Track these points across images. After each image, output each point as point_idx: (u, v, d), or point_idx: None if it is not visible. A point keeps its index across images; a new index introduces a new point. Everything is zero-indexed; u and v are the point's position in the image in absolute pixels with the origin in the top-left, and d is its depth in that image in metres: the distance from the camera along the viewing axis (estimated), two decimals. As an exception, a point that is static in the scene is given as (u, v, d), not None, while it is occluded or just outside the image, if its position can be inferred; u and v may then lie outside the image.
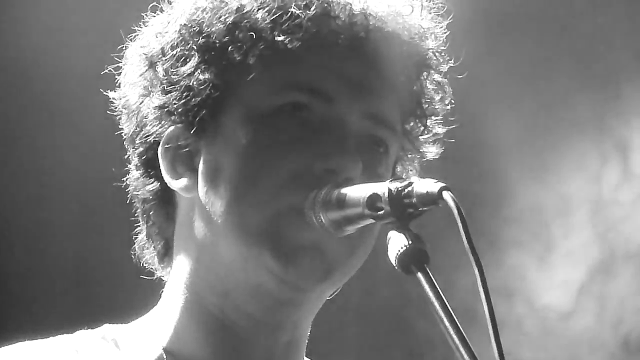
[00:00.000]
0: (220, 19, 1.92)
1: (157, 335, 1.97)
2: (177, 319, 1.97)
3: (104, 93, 2.05)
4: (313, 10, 1.91)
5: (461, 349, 1.58)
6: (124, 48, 2.03)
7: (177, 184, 1.96)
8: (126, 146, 2.04)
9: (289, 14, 1.90)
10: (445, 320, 1.61)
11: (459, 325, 1.60)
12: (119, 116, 2.04)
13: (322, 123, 1.90)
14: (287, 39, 1.89)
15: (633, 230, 5.32)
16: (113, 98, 2.04)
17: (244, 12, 1.91)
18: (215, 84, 1.92)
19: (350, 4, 1.94)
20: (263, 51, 1.90)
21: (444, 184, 1.68)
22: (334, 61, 1.92)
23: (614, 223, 5.33)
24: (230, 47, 1.91)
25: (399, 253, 1.69)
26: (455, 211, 1.64)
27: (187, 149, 1.95)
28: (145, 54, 1.98)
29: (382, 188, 1.76)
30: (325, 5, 1.92)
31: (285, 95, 1.91)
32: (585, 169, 5.29)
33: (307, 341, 2.03)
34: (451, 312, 1.61)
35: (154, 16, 2.03)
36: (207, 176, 1.93)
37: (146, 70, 1.98)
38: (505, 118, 5.25)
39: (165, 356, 1.95)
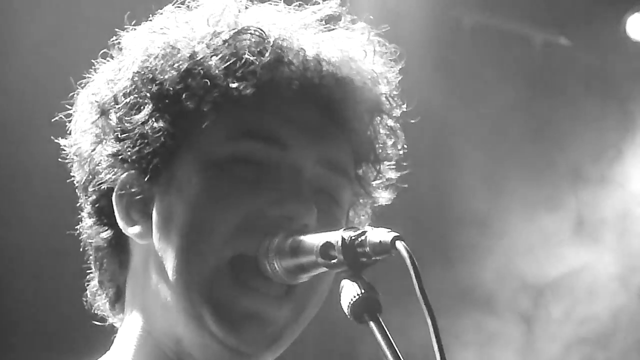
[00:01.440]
0: (174, 67, 1.91)
1: None
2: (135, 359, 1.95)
3: (55, 141, 2.04)
4: (267, 57, 1.90)
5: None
6: (74, 95, 2.02)
7: (131, 231, 1.95)
8: (78, 194, 2.02)
9: (243, 60, 1.90)
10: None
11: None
12: (70, 163, 2.02)
13: (277, 170, 1.89)
14: (241, 86, 1.88)
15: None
16: (64, 145, 2.02)
17: (197, 59, 1.90)
18: (170, 132, 1.90)
19: (304, 50, 1.94)
20: (217, 98, 1.89)
21: (397, 234, 1.68)
22: (288, 107, 1.92)
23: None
24: (183, 95, 1.90)
25: (352, 302, 1.69)
26: (407, 261, 1.64)
27: (141, 196, 1.94)
28: (97, 102, 1.96)
29: (335, 237, 1.76)
30: (279, 51, 1.92)
31: (240, 142, 1.90)
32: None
33: None
34: None
35: (105, 63, 2.01)
36: (160, 223, 1.91)
37: (98, 118, 1.96)
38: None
39: None
